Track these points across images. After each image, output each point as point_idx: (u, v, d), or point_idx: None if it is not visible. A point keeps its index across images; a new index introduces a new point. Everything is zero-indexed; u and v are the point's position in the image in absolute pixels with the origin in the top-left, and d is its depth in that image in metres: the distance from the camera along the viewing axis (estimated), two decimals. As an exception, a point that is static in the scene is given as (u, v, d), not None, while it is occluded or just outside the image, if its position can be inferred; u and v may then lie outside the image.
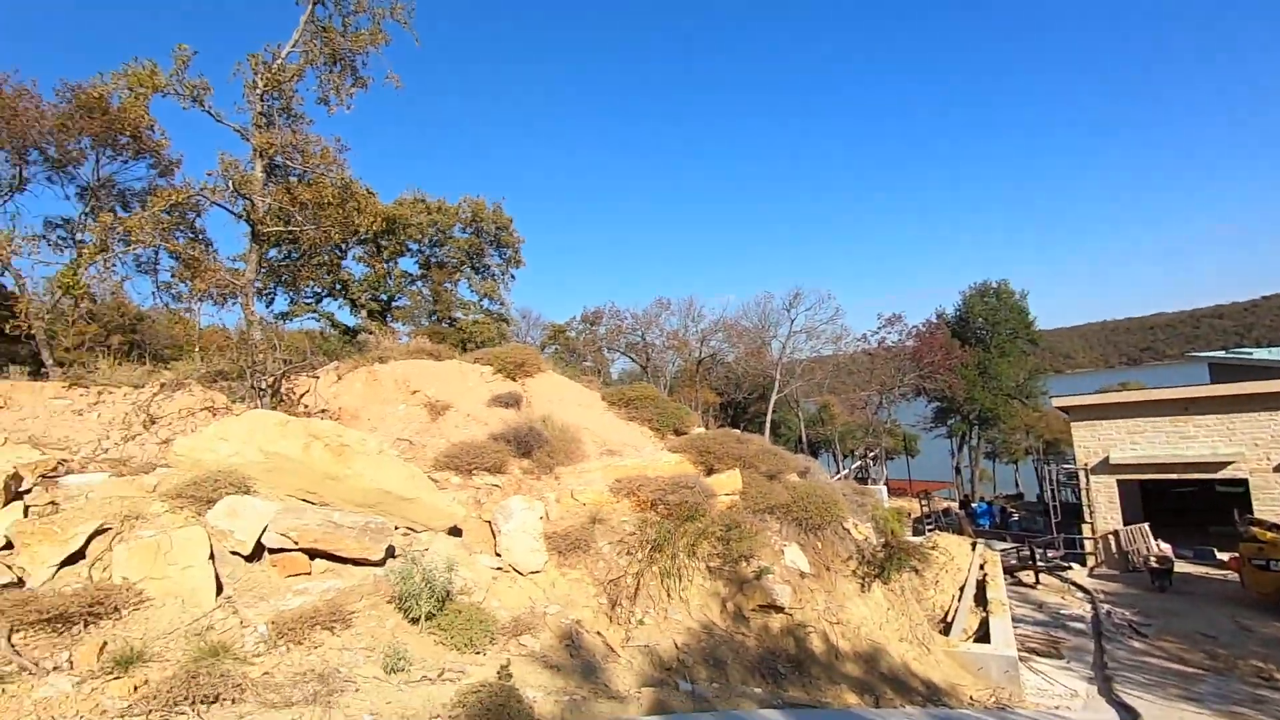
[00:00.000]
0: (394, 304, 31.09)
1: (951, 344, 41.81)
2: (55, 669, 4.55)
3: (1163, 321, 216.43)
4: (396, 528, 7.33)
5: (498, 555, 7.91)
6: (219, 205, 10.48)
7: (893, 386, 41.93)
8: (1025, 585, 21.36)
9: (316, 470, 7.06)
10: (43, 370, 13.45)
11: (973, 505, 36.14)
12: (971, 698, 9.98)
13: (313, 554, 6.27)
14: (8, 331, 12.37)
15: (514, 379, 11.99)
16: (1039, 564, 22.59)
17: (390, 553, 6.68)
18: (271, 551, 6.20)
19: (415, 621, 6.00)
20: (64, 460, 7.56)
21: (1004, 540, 27.11)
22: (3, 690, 4.22)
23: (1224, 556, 21.54)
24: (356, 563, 6.43)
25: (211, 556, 5.80)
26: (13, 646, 4.66)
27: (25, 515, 5.95)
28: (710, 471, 10.29)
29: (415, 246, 31.38)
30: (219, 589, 5.67)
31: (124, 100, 10.02)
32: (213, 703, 4.28)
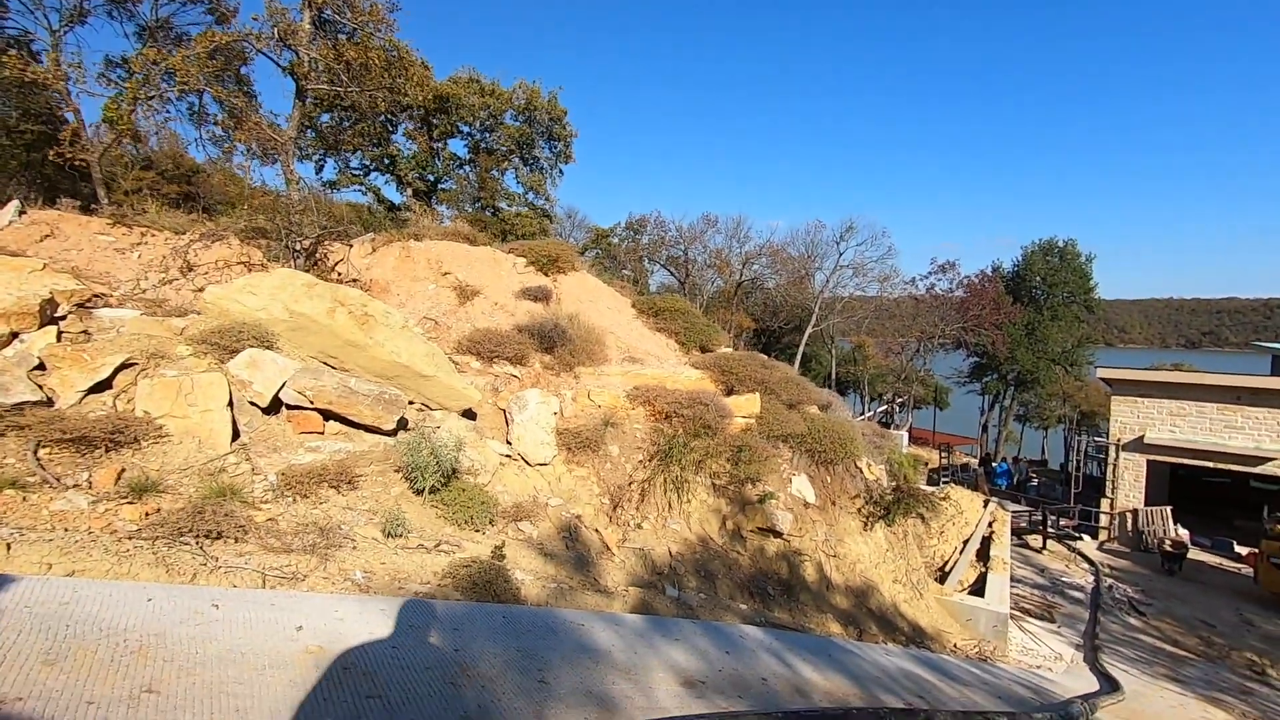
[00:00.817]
0: (440, 186, 30.73)
1: (1003, 299, 40.22)
2: (74, 486, 4.77)
3: (1233, 307, 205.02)
4: (411, 403, 7.43)
5: (508, 443, 8.02)
6: (264, 54, 10.20)
7: (933, 335, 40.85)
8: (1031, 549, 21.38)
9: (339, 335, 7.10)
10: (92, 207, 13.71)
11: (993, 464, 35.86)
12: (955, 645, 10.13)
13: (327, 415, 6.39)
14: (52, 158, 12.49)
15: (546, 273, 11.83)
16: (1049, 530, 22.51)
17: (402, 425, 6.79)
18: (288, 407, 6.33)
19: (419, 493, 6.14)
20: (101, 294, 7.73)
21: (1018, 502, 26.99)
22: (24, 498, 4.44)
23: (1243, 551, 21.15)
24: (368, 429, 6.55)
25: (230, 404, 5.94)
26: (38, 460, 4.88)
27: (58, 340, 6.13)
28: (730, 392, 10.17)
29: (466, 129, 30.63)
30: (235, 435, 5.83)
31: None
32: (216, 538, 4.45)
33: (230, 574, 3.95)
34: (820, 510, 9.56)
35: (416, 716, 2.76)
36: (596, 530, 7.49)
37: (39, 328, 6.08)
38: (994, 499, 19.73)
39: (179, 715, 2.36)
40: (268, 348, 6.65)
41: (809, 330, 39.22)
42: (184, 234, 10.15)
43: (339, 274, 10.45)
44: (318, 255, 10.48)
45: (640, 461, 8.52)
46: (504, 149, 30.88)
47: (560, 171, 32.58)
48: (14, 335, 5.92)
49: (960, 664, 8.33)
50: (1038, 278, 44.41)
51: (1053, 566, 19.84)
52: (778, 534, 8.55)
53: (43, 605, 2.88)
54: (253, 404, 6.15)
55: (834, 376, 45.83)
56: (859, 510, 10.31)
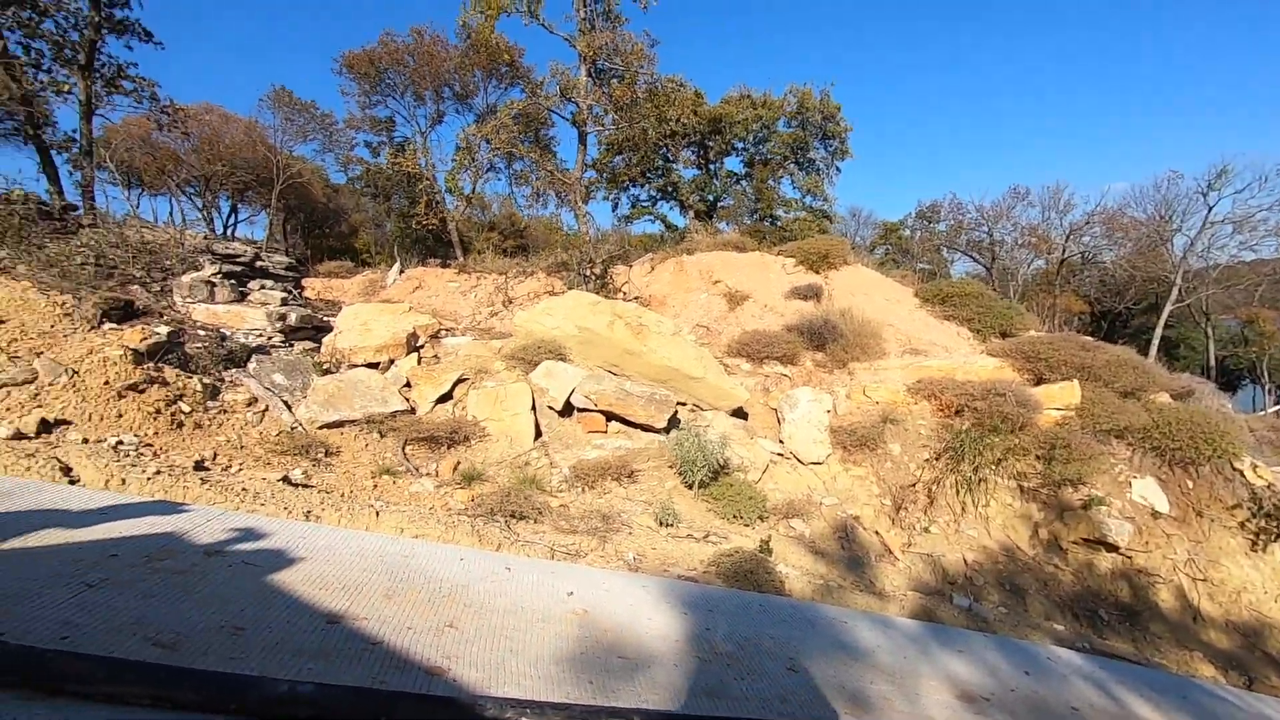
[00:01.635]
0: (719, 204, 32.03)
1: None
2: (425, 474, 6.05)
3: None
4: (683, 403, 7.87)
5: (780, 442, 8.00)
6: (551, 111, 11.95)
7: (1379, 298, 29.67)
8: None
9: (618, 345, 7.86)
10: (448, 263, 17.37)
11: None
12: None
13: (609, 416, 7.11)
14: (415, 226, 16.11)
15: (816, 271, 11.56)
16: None
17: (673, 423, 7.23)
18: (577, 410, 7.20)
19: (690, 487, 6.48)
20: (449, 327, 9.72)
21: None
22: (394, 481, 5.78)
23: None
24: (644, 428, 7.12)
25: (533, 408, 6.99)
26: (404, 453, 6.31)
27: (419, 363, 7.86)
28: (1039, 381, 8.75)
29: (740, 145, 31.49)
30: (537, 434, 6.83)
31: (478, 25, 11.88)
32: (520, 519, 5.26)
33: (525, 547, 4.63)
34: (1178, 522, 7.62)
35: (657, 680, 2.93)
36: (876, 532, 7.05)
37: (406, 355, 7.88)
38: None
39: (469, 646, 2.86)
40: (560, 359, 7.66)
41: (1168, 308, 31.54)
42: (504, 274, 12.25)
43: (624, 293, 11.57)
44: (606, 278, 11.76)
45: (925, 460, 7.80)
46: (778, 157, 31.01)
47: (837, 169, 31.58)
48: (391, 361, 7.77)
49: None
50: None
51: None
52: (1112, 547, 7.05)
53: (391, 556, 3.73)
54: (550, 408, 7.14)
55: (1214, 363, 36.10)
56: (1241, 524, 7.94)
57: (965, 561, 6.78)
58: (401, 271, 12.83)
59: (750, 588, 4.74)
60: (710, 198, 31.93)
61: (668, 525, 5.81)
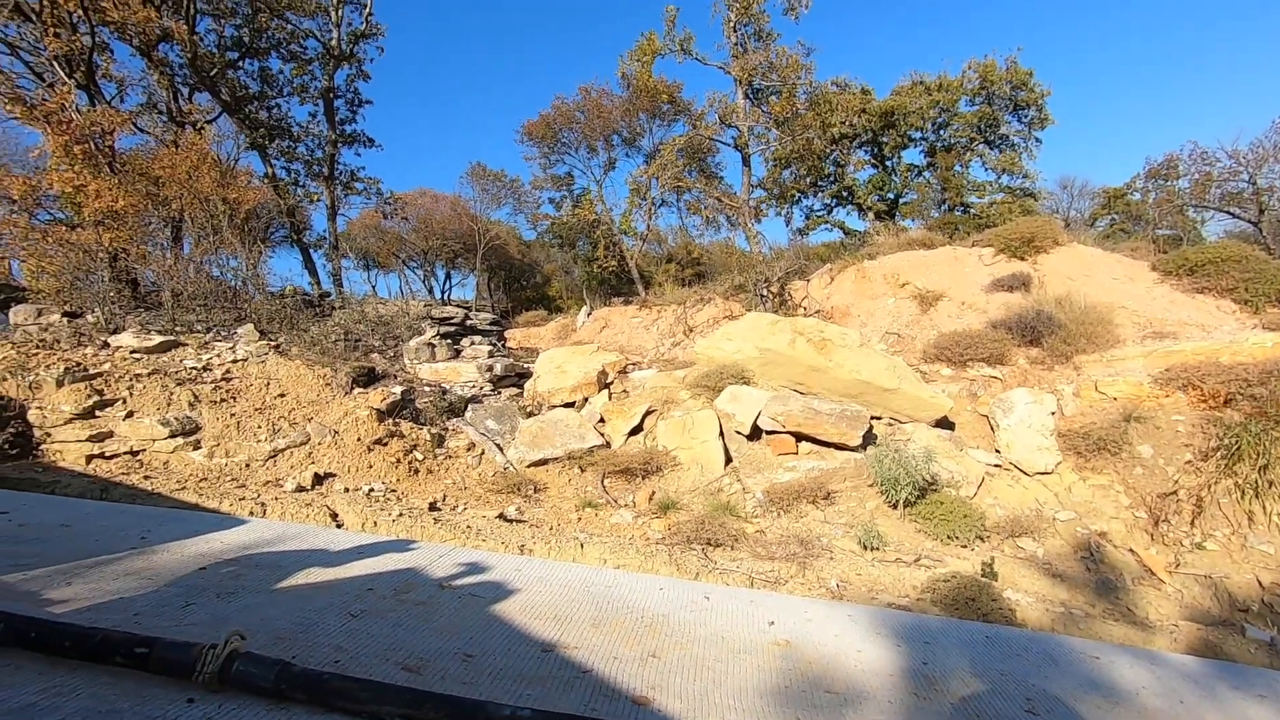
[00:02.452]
0: (900, 201, 30.12)
1: None
2: (624, 505, 6.32)
3: None
4: (878, 417, 7.43)
5: (995, 452, 7.23)
6: (713, 140, 12.12)
7: None
8: None
9: (801, 363, 7.67)
10: (630, 300, 18.20)
11: None
12: None
13: (798, 437, 6.92)
14: (595, 270, 17.09)
15: (1021, 258, 10.33)
16: None
17: (869, 439, 6.85)
18: (766, 433, 7.10)
19: (894, 506, 6.07)
20: (635, 362, 10.14)
21: None
22: (595, 514, 6.11)
23: None
24: (838, 447, 6.82)
25: (721, 434, 7.02)
26: (603, 486, 6.65)
27: (610, 399, 8.28)
28: (1343, 355, 7.02)
29: (918, 135, 29.45)
30: (727, 460, 6.84)
31: (637, 72, 12.47)
32: (716, 546, 5.29)
33: (724, 575, 4.64)
34: None
35: (868, 718, 2.76)
36: (1131, 550, 6.06)
37: (598, 392, 8.34)
38: None
39: (672, 676, 2.92)
40: (744, 383, 7.64)
41: None
42: (683, 304, 12.54)
43: (804, 308, 11.27)
44: (784, 296, 11.55)
45: (1188, 463, 6.59)
46: (963, 140, 28.51)
47: (1037, 140, 28.24)
48: (585, 400, 8.27)
49: None
50: None
51: None
52: None
53: (595, 586, 3.93)
54: (737, 432, 7.12)
55: None
56: None
57: (1260, 584, 5.57)
58: (589, 313, 13.69)
59: (973, 616, 4.31)
60: (890, 196, 30.16)
61: (872, 549, 5.49)
